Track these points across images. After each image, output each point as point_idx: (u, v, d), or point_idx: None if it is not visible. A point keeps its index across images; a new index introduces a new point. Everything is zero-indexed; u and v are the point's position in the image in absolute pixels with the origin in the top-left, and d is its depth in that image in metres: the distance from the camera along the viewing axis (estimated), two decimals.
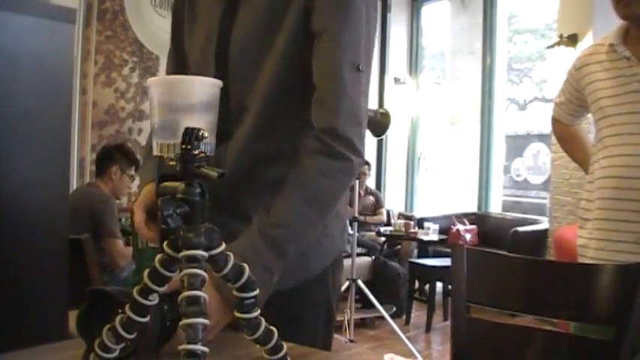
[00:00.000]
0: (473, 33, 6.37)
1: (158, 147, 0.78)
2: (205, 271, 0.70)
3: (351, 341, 4.01)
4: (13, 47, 1.07)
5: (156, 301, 0.75)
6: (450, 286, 2.35)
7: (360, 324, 4.44)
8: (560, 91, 1.92)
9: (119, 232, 3.15)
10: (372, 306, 4.13)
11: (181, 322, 0.68)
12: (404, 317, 4.73)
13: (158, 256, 0.73)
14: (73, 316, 0.90)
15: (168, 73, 1.26)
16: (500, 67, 6.29)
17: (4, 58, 1.06)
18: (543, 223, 5.21)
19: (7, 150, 1.08)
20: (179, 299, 0.69)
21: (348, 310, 4.05)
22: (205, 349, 0.67)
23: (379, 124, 3.92)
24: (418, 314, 4.83)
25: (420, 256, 5.42)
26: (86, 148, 4.64)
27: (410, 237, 5.14)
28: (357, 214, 4.10)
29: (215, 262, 0.74)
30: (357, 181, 4.13)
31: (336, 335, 4.09)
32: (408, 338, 3.98)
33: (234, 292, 0.77)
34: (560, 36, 4.83)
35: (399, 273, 4.92)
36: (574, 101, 1.85)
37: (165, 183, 0.75)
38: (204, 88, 0.82)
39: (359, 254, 4.60)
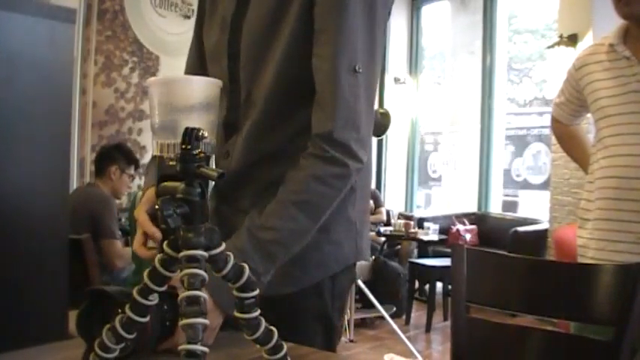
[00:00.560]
0: (473, 33, 6.37)
1: (158, 147, 0.78)
2: (205, 271, 0.70)
3: (351, 341, 4.01)
4: (13, 47, 1.07)
5: (156, 301, 0.75)
6: (450, 286, 2.35)
7: (360, 324, 4.44)
8: (559, 91, 1.92)
9: (118, 232, 3.15)
10: (372, 306, 4.13)
11: (181, 322, 0.68)
12: (404, 317, 4.73)
13: (158, 256, 0.73)
14: (73, 316, 0.90)
15: (188, 59, 1.27)
16: (500, 67, 6.29)
17: (4, 58, 1.06)
18: (543, 223, 5.21)
19: (6, 150, 1.08)
20: (179, 299, 0.69)
21: (348, 310, 4.05)
22: (205, 349, 0.67)
23: (379, 124, 3.93)
24: (418, 314, 4.83)
25: (420, 256, 5.42)
26: (86, 148, 4.64)
27: (410, 237, 5.14)
28: None
29: (215, 262, 0.74)
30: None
31: None
32: (408, 338, 3.98)
33: (235, 292, 0.77)
34: (560, 36, 4.84)
35: (399, 273, 4.92)
36: (574, 101, 1.85)
37: (165, 183, 0.74)
38: (202, 88, 0.82)
39: None
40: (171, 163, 0.76)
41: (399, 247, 5.65)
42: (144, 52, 5.04)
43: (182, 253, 0.70)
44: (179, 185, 0.71)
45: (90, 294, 0.88)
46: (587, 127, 2.04)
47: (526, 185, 6.45)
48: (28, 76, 1.10)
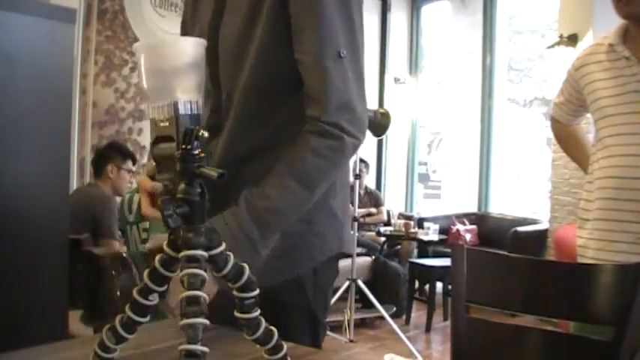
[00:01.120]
0: (473, 33, 6.37)
1: (150, 110, 0.82)
2: (205, 271, 0.71)
3: (351, 341, 4.01)
4: (13, 47, 1.07)
5: (156, 301, 0.75)
6: (450, 286, 2.35)
7: (360, 324, 4.44)
8: (559, 91, 1.92)
9: (118, 232, 3.16)
10: (372, 306, 4.13)
11: (181, 322, 0.68)
12: (404, 317, 4.73)
13: (158, 256, 0.73)
14: (73, 316, 0.90)
15: None
16: (500, 67, 6.28)
17: (4, 58, 1.06)
18: (543, 223, 5.21)
19: (7, 150, 1.08)
20: (179, 299, 0.69)
21: (348, 310, 4.05)
22: (205, 349, 0.68)
23: (379, 124, 3.92)
24: (418, 314, 4.83)
25: (420, 256, 5.42)
26: (86, 149, 4.63)
27: (410, 237, 5.14)
28: (357, 214, 4.10)
29: (215, 262, 0.74)
30: (357, 181, 4.13)
31: (336, 335, 4.09)
32: (408, 338, 3.98)
33: (235, 292, 0.77)
34: (560, 36, 4.83)
35: (399, 273, 4.92)
36: (573, 101, 1.85)
37: (161, 145, 0.79)
38: (188, 48, 0.85)
39: (359, 254, 4.60)
40: (162, 124, 0.80)
41: (399, 247, 5.64)
42: None
43: (182, 253, 0.70)
44: (172, 147, 0.75)
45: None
46: (587, 127, 2.04)
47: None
48: (28, 76, 1.10)
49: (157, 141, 0.82)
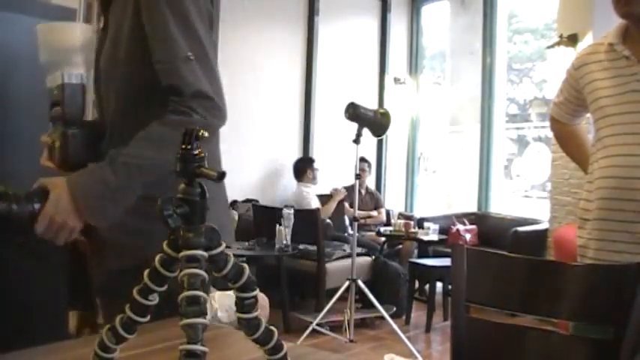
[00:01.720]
0: (473, 33, 6.37)
1: (48, 81, 1.09)
2: (206, 271, 0.71)
3: (351, 341, 4.00)
4: (13, 47, 1.07)
5: (156, 301, 0.75)
6: (450, 286, 2.35)
7: (360, 324, 4.43)
8: (559, 91, 1.92)
9: None
10: (372, 306, 4.12)
11: (181, 322, 0.68)
12: (404, 317, 4.72)
13: (158, 256, 0.73)
14: (73, 316, 0.90)
15: None
16: (500, 67, 6.28)
17: (4, 58, 1.06)
18: (543, 223, 5.21)
19: (7, 149, 1.08)
20: (179, 299, 0.69)
21: (348, 310, 4.05)
22: (205, 349, 0.68)
23: (379, 124, 3.92)
24: (418, 314, 4.82)
25: (420, 256, 5.41)
26: None
27: (410, 237, 5.14)
28: (356, 215, 4.10)
29: (215, 262, 0.74)
30: (357, 181, 4.12)
31: (336, 335, 4.09)
32: (408, 338, 3.98)
33: (235, 292, 0.76)
34: (560, 36, 4.83)
35: (399, 273, 4.91)
36: (573, 101, 1.85)
37: (56, 108, 1.10)
38: (77, 32, 1.15)
39: (359, 254, 4.60)
40: (55, 92, 1.12)
41: (399, 247, 5.64)
42: None
43: (182, 253, 0.70)
44: (58, 109, 1.14)
45: None
46: (587, 127, 2.04)
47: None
48: (28, 76, 1.10)
49: (52, 106, 1.13)
